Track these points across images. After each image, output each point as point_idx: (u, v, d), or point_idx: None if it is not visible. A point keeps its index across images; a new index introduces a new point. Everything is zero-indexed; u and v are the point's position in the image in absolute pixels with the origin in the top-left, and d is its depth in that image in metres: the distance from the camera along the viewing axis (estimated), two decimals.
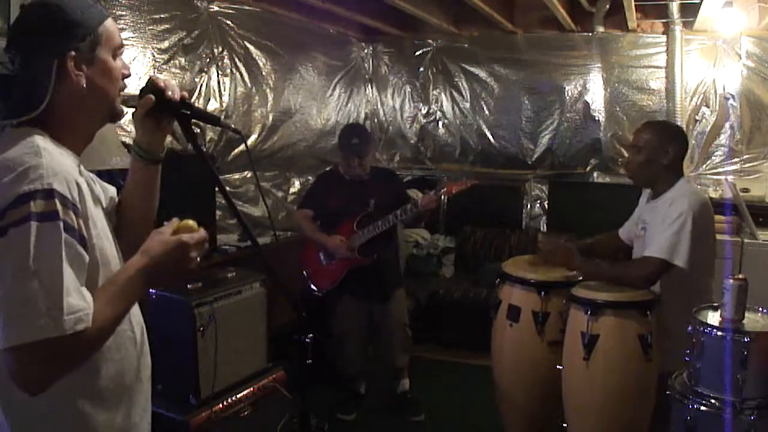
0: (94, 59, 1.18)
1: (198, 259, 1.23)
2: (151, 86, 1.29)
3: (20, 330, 1.00)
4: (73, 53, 1.15)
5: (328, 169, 3.93)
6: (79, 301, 1.05)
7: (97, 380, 1.19)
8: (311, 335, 1.41)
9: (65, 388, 1.09)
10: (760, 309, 2.10)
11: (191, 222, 1.25)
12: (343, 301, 3.45)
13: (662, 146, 2.41)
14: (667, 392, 2.07)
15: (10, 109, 1.15)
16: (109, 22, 1.21)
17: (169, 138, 3.60)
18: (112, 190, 1.35)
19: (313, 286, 3.47)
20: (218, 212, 3.74)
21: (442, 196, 3.14)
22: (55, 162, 1.09)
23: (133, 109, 1.33)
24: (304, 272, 3.52)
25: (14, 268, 1.01)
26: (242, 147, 3.95)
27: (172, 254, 1.19)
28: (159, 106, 1.30)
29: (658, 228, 2.35)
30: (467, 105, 5.29)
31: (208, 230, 1.27)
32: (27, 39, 1.14)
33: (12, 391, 1.08)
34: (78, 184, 1.11)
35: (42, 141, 1.11)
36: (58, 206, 1.05)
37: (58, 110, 1.15)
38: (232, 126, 1.50)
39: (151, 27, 3.26)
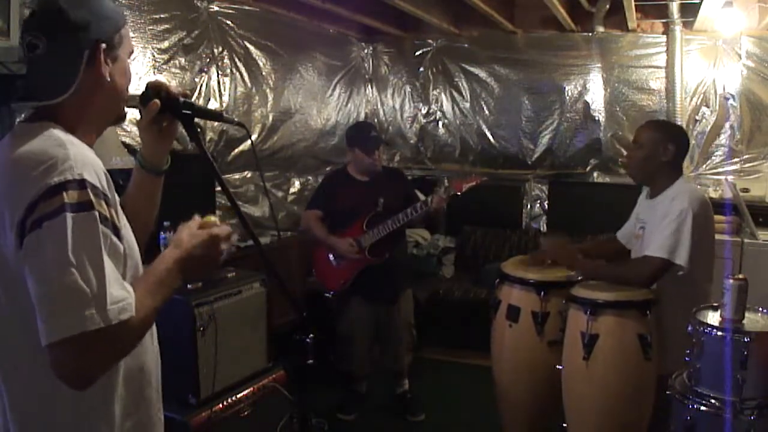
0: (117, 57, 1.20)
1: (225, 252, 1.25)
2: (153, 91, 1.29)
3: (65, 323, 0.99)
4: (104, 45, 1.16)
5: (335, 168, 3.92)
6: (120, 291, 1.06)
7: (117, 373, 1.18)
8: (312, 335, 1.41)
9: None
10: (760, 309, 2.10)
11: (213, 218, 1.27)
12: (353, 302, 3.45)
13: (663, 144, 2.41)
14: (667, 392, 2.07)
15: (30, 93, 1.13)
16: (126, 26, 1.23)
17: None
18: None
19: (323, 287, 3.47)
20: (218, 212, 3.74)
21: (451, 194, 3.13)
22: (82, 153, 1.09)
23: (134, 110, 1.34)
24: (315, 272, 3.52)
25: (53, 262, 0.99)
26: (242, 147, 3.96)
27: (204, 246, 1.21)
28: (161, 108, 1.31)
29: (657, 226, 2.35)
30: (467, 105, 5.29)
31: None
32: (58, 23, 1.11)
33: (32, 383, 1.08)
34: (105, 174, 1.11)
35: (63, 134, 1.11)
36: (91, 196, 1.04)
37: (77, 102, 1.14)
38: (235, 119, 1.51)
39: (151, 27, 3.26)
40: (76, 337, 0.99)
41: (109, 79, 1.18)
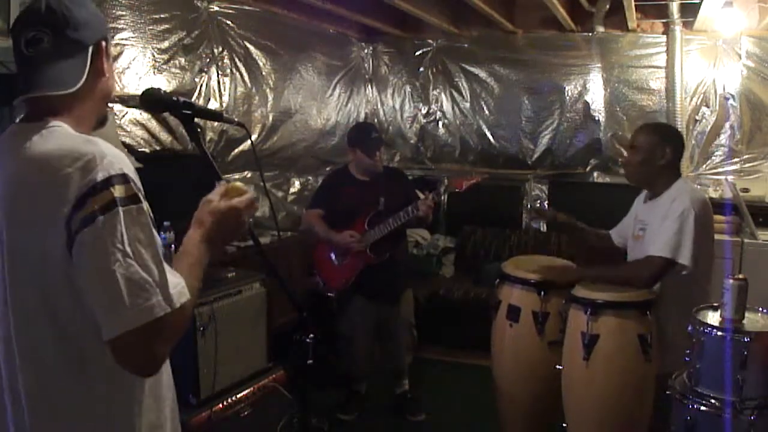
0: (110, 56, 1.23)
1: (250, 220, 1.28)
2: (156, 94, 1.30)
3: (134, 314, 1.02)
4: (103, 43, 1.19)
5: (336, 168, 3.92)
6: (174, 276, 1.10)
7: None
8: (312, 335, 1.41)
9: (119, 375, 1.09)
10: (760, 309, 2.10)
11: (239, 184, 1.29)
12: (354, 301, 3.44)
13: (659, 147, 2.42)
14: (667, 392, 2.07)
15: (34, 85, 1.13)
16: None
17: (168, 138, 3.62)
18: None
19: (325, 287, 3.47)
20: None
21: (452, 191, 3.21)
22: (113, 149, 1.10)
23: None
24: (316, 272, 3.52)
25: (113, 255, 1.02)
26: (242, 147, 3.96)
27: (225, 221, 1.24)
28: (161, 106, 1.31)
29: (659, 227, 2.35)
30: (467, 105, 5.28)
31: None
32: (64, 19, 1.13)
33: (65, 386, 1.09)
34: (134, 170, 1.13)
35: (77, 132, 1.13)
36: (135, 190, 1.07)
37: (78, 99, 1.16)
38: (235, 119, 1.53)
39: (151, 27, 3.26)
40: (147, 324, 1.02)
41: (107, 76, 1.21)
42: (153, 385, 1.21)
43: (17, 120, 1.17)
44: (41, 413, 1.12)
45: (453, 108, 5.34)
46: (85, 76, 1.14)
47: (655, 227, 2.39)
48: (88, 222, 1.02)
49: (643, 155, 2.44)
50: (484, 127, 5.25)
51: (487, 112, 5.23)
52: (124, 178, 1.05)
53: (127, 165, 1.09)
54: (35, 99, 1.14)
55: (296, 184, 4.73)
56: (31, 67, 1.13)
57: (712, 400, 1.93)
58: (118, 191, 1.03)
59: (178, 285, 1.09)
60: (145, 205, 1.09)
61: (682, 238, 2.25)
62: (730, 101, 4.54)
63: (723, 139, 4.63)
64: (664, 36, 4.61)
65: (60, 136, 1.10)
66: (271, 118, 4.29)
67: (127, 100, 3.05)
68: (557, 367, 2.48)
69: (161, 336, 1.06)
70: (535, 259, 3.00)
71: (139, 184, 1.10)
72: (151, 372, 1.10)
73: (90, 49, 1.16)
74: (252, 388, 2.65)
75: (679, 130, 4.48)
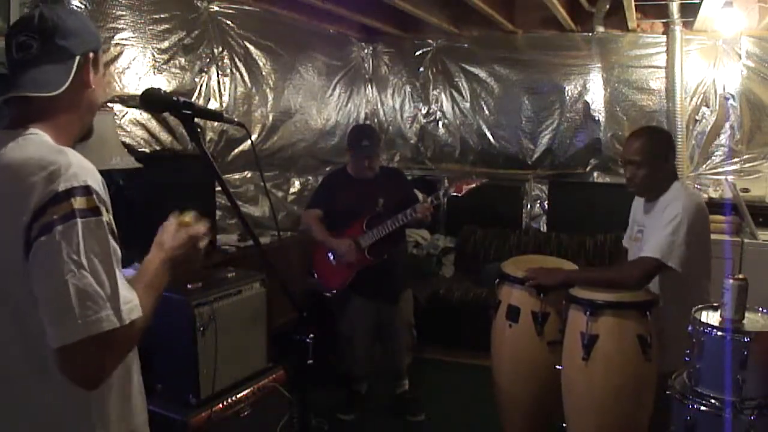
0: (99, 69, 1.24)
1: (203, 249, 1.31)
2: (156, 94, 1.31)
3: (82, 325, 1.02)
4: (91, 55, 1.21)
5: (335, 168, 3.92)
6: (128, 292, 1.10)
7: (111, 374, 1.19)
8: (312, 335, 1.42)
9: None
10: (760, 309, 2.10)
11: (188, 218, 1.32)
12: (353, 301, 3.45)
13: (661, 155, 2.42)
14: (667, 392, 2.07)
15: (19, 88, 1.14)
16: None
17: (168, 138, 3.61)
18: None
19: (323, 286, 3.47)
20: (218, 212, 3.75)
21: (450, 196, 3.21)
22: (82, 160, 1.11)
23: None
24: (314, 272, 3.52)
25: (67, 265, 1.02)
26: (242, 147, 3.96)
27: (184, 246, 1.27)
28: (161, 106, 1.32)
29: (654, 230, 2.36)
30: (467, 105, 5.29)
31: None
32: (54, 27, 1.15)
33: (30, 392, 1.10)
34: (102, 181, 1.14)
35: (53, 141, 1.13)
36: (96, 202, 1.07)
37: (62, 107, 1.17)
38: (235, 119, 1.54)
39: (151, 27, 3.26)
40: (94, 337, 1.02)
41: (93, 87, 1.22)
42: (122, 392, 1.21)
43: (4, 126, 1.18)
44: (6, 417, 1.13)
45: (453, 108, 5.35)
46: (68, 82, 1.15)
47: (651, 230, 2.40)
48: (45, 231, 1.02)
49: (648, 168, 2.41)
50: (484, 127, 5.25)
51: (487, 112, 5.23)
52: (86, 190, 1.06)
53: (93, 177, 1.09)
54: (20, 104, 1.15)
55: (296, 184, 4.73)
56: (19, 70, 1.15)
57: (712, 400, 1.93)
58: (78, 203, 1.04)
59: (130, 301, 1.09)
60: (106, 217, 1.09)
61: (674, 241, 2.26)
62: (730, 101, 4.54)
63: (723, 139, 4.64)
64: (664, 36, 4.62)
65: (33, 144, 1.11)
66: (271, 118, 4.29)
67: (127, 100, 3.04)
68: (557, 367, 2.48)
69: (108, 350, 1.06)
70: (535, 259, 3.00)
71: (104, 197, 1.11)
72: (94, 385, 1.09)
73: (77, 59, 1.17)
74: (252, 388, 2.65)
75: (679, 130, 4.50)
